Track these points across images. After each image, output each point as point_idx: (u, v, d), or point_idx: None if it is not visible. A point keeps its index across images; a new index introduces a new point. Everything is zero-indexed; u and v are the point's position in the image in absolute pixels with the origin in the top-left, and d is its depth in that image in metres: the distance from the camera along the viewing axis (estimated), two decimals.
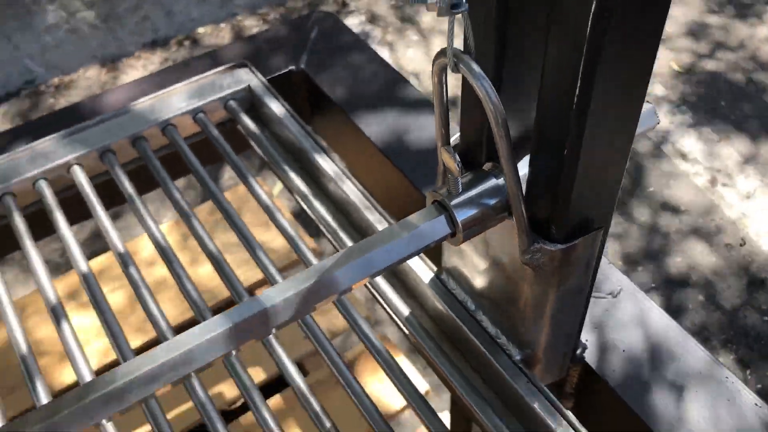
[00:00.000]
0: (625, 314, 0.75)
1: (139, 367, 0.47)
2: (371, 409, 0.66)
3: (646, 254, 1.95)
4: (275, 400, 1.22)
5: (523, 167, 0.54)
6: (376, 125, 0.96)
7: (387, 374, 0.68)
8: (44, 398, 0.68)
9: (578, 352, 0.72)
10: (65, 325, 0.73)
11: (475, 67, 0.44)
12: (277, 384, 1.28)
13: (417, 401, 0.67)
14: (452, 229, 0.53)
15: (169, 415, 0.69)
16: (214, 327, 0.47)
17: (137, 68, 2.32)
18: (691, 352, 0.72)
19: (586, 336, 0.73)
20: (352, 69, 1.04)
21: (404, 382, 0.68)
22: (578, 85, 0.42)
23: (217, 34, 2.41)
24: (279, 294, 0.48)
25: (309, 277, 0.50)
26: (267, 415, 0.66)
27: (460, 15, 0.42)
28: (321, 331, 0.71)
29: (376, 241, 0.53)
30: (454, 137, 0.59)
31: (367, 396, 0.67)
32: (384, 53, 2.42)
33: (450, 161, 0.51)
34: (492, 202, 0.53)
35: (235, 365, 0.70)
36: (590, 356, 0.72)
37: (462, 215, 0.52)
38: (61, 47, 2.26)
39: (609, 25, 0.39)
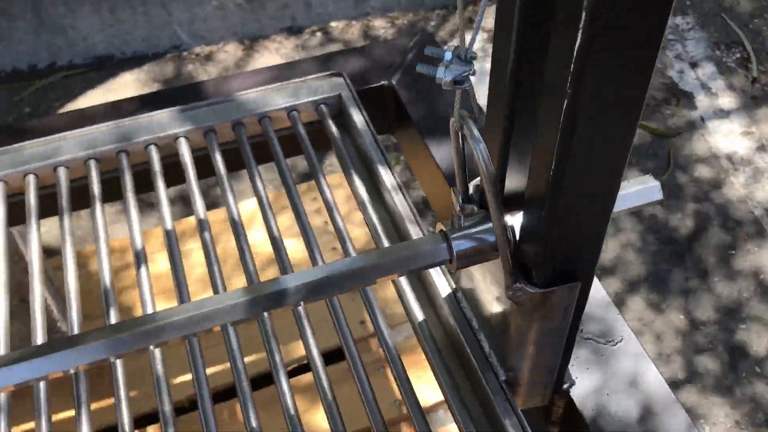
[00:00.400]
0: (619, 363, 0.81)
1: (177, 313, 0.59)
2: (372, 403, 0.74)
3: (712, 314, 1.94)
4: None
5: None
6: (444, 149, 1.05)
7: (394, 379, 0.77)
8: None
9: (566, 385, 0.78)
10: (143, 269, 0.87)
11: (475, 131, 0.52)
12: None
13: (416, 411, 0.75)
14: (450, 256, 0.62)
15: (210, 370, 0.80)
16: (237, 295, 0.58)
17: (271, 51, 2.50)
18: (669, 409, 0.77)
19: (578, 374, 0.80)
20: (436, 93, 1.13)
21: (408, 390, 0.76)
22: (554, 159, 0.50)
23: (347, 30, 2.55)
24: (293, 280, 0.59)
25: (323, 271, 0.60)
26: (285, 388, 0.76)
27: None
28: (346, 322, 0.81)
29: (386, 252, 0.63)
30: (477, 179, 0.68)
31: (371, 391, 0.75)
32: None
33: (455, 201, 0.60)
34: (490, 240, 0.62)
35: (270, 340, 0.81)
36: (576, 392, 0.79)
37: (458, 247, 0.61)
38: (207, 20, 2.47)
39: (581, 112, 0.47)
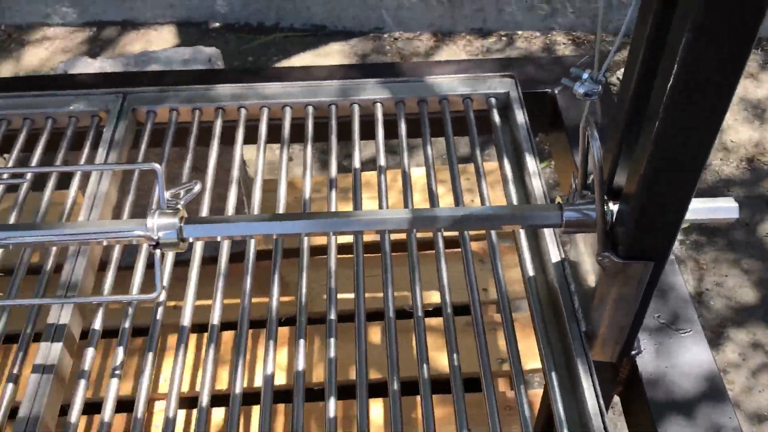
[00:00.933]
0: (682, 347, 0.97)
1: (354, 215, 0.82)
2: (484, 353, 0.93)
3: None
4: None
5: None
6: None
7: (504, 332, 0.96)
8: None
9: (634, 352, 0.95)
10: (333, 192, 1.12)
11: (595, 133, 0.71)
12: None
13: (517, 368, 0.93)
14: (560, 222, 0.81)
15: (366, 295, 1.01)
16: (399, 212, 0.81)
17: (459, 46, 2.72)
18: (715, 390, 0.92)
19: (646, 347, 0.96)
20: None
21: (514, 350, 0.94)
22: (644, 169, 0.68)
23: (530, 40, 2.72)
24: (441, 212, 0.81)
25: (464, 211, 0.81)
26: (421, 322, 0.98)
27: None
28: (476, 285, 1.00)
29: (514, 208, 0.83)
30: None
31: (486, 343, 0.94)
32: None
33: (573, 184, 0.79)
34: (593, 216, 0.80)
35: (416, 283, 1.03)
36: (641, 359, 0.95)
37: (568, 216, 0.80)
38: (411, 10, 2.73)
39: (667, 132, 0.65)
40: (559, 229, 0.82)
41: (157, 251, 0.80)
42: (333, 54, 2.69)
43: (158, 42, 2.72)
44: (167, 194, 0.83)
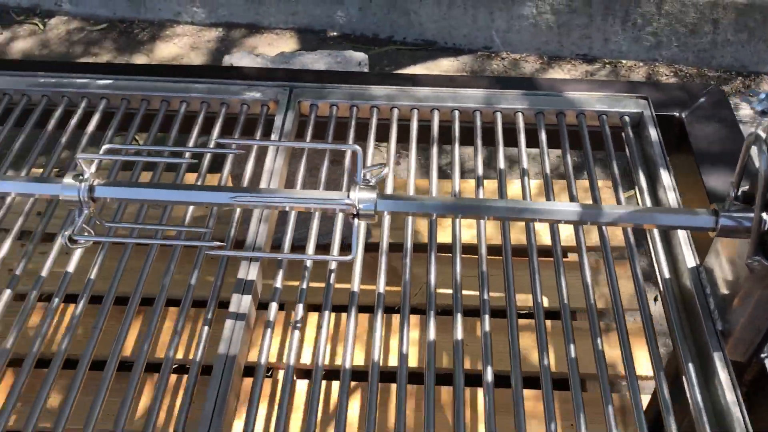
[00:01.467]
0: None
1: (497, 203, 0.93)
2: (602, 362, 1.02)
3: None
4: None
5: None
6: (713, 177, 1.29)
7: (617, 339, 1.05)
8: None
9: (764, 355, 1.02)
10: (481, 192, 1.22)
11: (764, 147, 0.80)
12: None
13: (632, 372, 1.02)
14: (715, 226, 0.89)
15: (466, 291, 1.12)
16: (567, 206, 0.91)
17: (564, 70, 2.81)
18: None
19: None
20: (713, 134, 1.38)
21: (627, 352, 1.03)
22: None
23: (633, 69, 2.79)
24: (604, 209, 0.90)
25: (621, 208, 0.91)
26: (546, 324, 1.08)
27: None
28: (593, 300, 1.10)
29: (669, 210, 0.92)
30: (744, 187, 0.94)
31: (602, 345, 1.03)
32: None
33: (730, 192, 0.88)
34: (745, 224, 0.88)
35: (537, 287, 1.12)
36: None
37: (723, 222, 0.88)
38: (520, 33, 2.83)
39: None
40: (713, 233, 0.90)
41: (356, 220, 0.92)
42: (442, 69, 2.81)
43: (279, 45, 2.89)
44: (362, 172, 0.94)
